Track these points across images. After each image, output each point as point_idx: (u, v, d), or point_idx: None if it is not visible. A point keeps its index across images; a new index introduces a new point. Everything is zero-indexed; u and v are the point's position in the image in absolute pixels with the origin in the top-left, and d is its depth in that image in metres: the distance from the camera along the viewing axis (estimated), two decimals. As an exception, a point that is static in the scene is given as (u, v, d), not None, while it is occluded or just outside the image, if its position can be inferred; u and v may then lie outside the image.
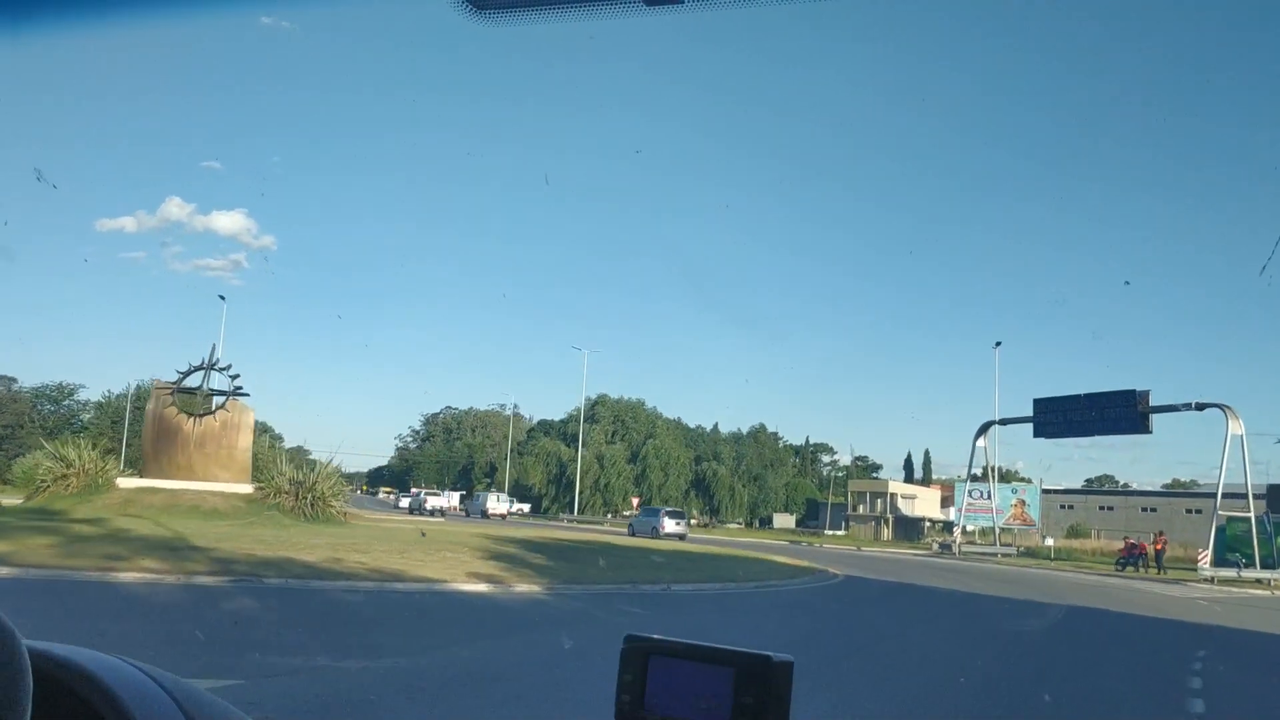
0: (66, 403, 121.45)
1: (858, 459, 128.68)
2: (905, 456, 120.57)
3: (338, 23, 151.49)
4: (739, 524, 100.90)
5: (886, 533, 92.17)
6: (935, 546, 57.68)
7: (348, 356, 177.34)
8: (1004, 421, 56.07)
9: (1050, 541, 52.22)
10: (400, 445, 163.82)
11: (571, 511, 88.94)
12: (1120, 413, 47.38)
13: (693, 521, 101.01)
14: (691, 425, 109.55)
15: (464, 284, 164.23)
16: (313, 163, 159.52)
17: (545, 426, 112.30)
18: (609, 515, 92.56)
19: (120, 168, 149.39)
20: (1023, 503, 64.33)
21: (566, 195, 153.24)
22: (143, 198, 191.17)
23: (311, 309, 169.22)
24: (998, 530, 58.15)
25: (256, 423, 44.22)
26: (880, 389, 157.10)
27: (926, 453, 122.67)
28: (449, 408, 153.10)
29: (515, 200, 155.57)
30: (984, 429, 57.17)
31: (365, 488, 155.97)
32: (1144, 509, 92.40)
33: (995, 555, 53.74)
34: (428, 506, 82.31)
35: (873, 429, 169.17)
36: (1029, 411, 53.06)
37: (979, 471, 59.04)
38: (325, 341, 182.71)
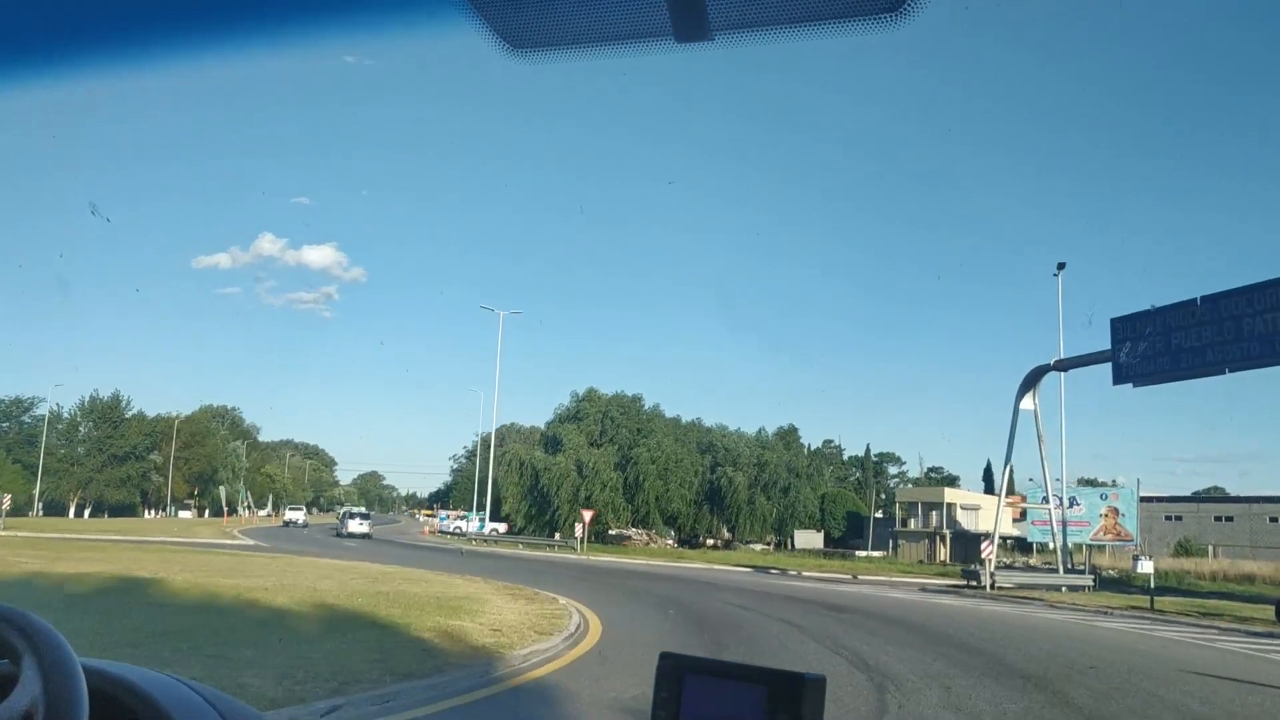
0: (24, 418, 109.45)
1: (930, 471, 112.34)
2: (985, 465, 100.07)
3: (408, 58, 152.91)
4: (766, 545, 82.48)
5: (943, 552, 73.43)
6: (975, 576, 37.80)
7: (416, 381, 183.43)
8: (1065, 365, 36.18)
9: (1148, 566, 32.11)
10: (455, 466, 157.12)
11: (554, 531, 71.93)
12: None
13: (709, 542, 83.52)
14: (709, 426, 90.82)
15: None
16: (399, 194, 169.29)
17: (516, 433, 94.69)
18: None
19: (214, 207, 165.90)
20: (1115, 511, 45.38)
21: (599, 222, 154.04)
22: (236, 234, 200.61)
23: (389, 337, 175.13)
24: (1062, 547, 38.62)
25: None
26: (952, 399, 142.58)
27: (1010, 468, 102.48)
28: (511, 424, 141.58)
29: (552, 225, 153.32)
30: (1033, 379, 37.53)
31: (422, 510, 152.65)
32: (1273, 518, 72.30)
33: (1059, 589, 34.35)
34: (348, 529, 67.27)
35: (947, 439, 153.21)
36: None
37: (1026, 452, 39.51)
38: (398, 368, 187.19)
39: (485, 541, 58.07)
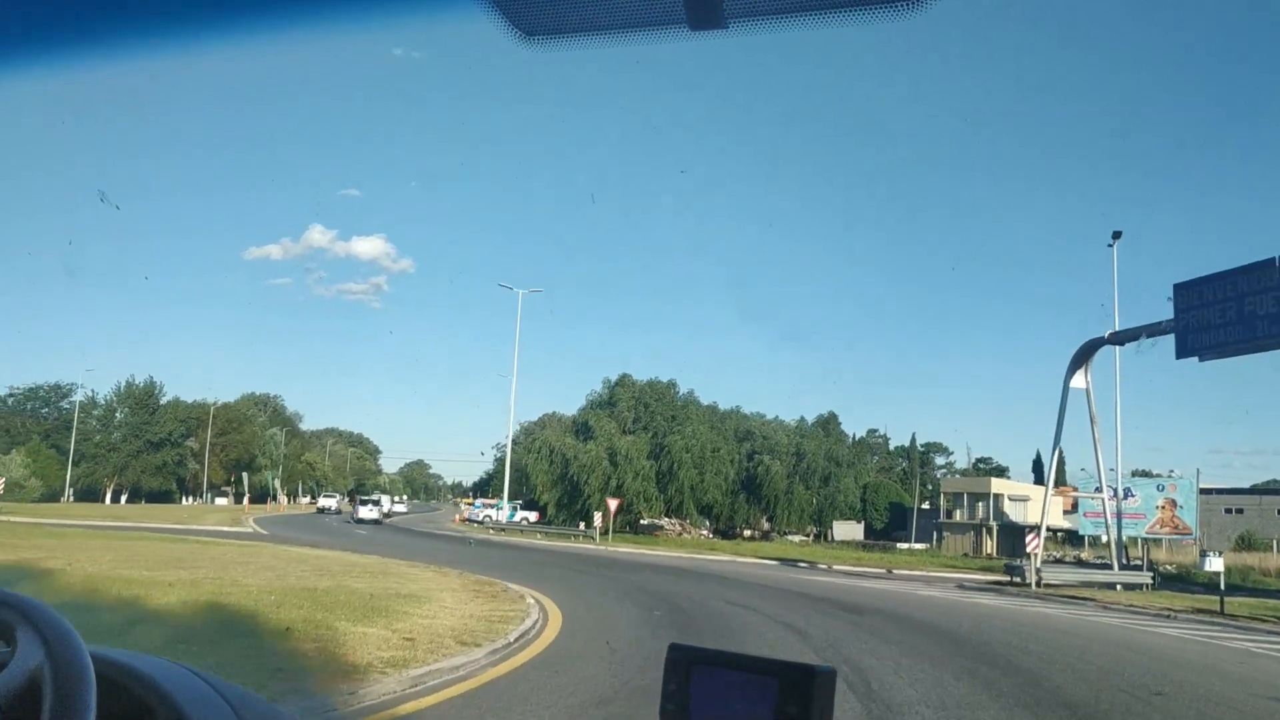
0: (62, 404, 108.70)
1: (978, 461, 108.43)
2: (1034, 456, 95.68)
3: (454, 51, 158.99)
4: (805, 536, 79.18)
5: (990, 545, 69.80)
6: (1019, 572, 34.11)
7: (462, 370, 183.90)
8: (1121, 338, 32.31)
9: (1217, 563, 28.35)
10: (498, 455, 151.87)
11: (582, 521, 69.12)
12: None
13: (746, 533, 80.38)
14: (748, 413, 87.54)
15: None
16: (445, 185, 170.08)
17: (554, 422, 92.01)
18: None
19: (266, 199, 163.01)
20: (1172, 503, 41.82)
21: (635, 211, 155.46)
22: (287, 226, 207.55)
23: (442, 327, 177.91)
24: (1116, 540, 34.95)
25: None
26: (1001, 389, 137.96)
27: (1060, 454, 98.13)
28: (552, 413, 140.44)
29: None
30: (1085, 354, 33.77)
31: (465, 499, 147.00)
32: (1337, 511, 68.20)
33: (1113, 587, 30.86)
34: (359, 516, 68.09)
35: (997, 429, 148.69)
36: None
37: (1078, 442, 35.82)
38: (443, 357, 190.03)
39: (505, 530, 55.21)
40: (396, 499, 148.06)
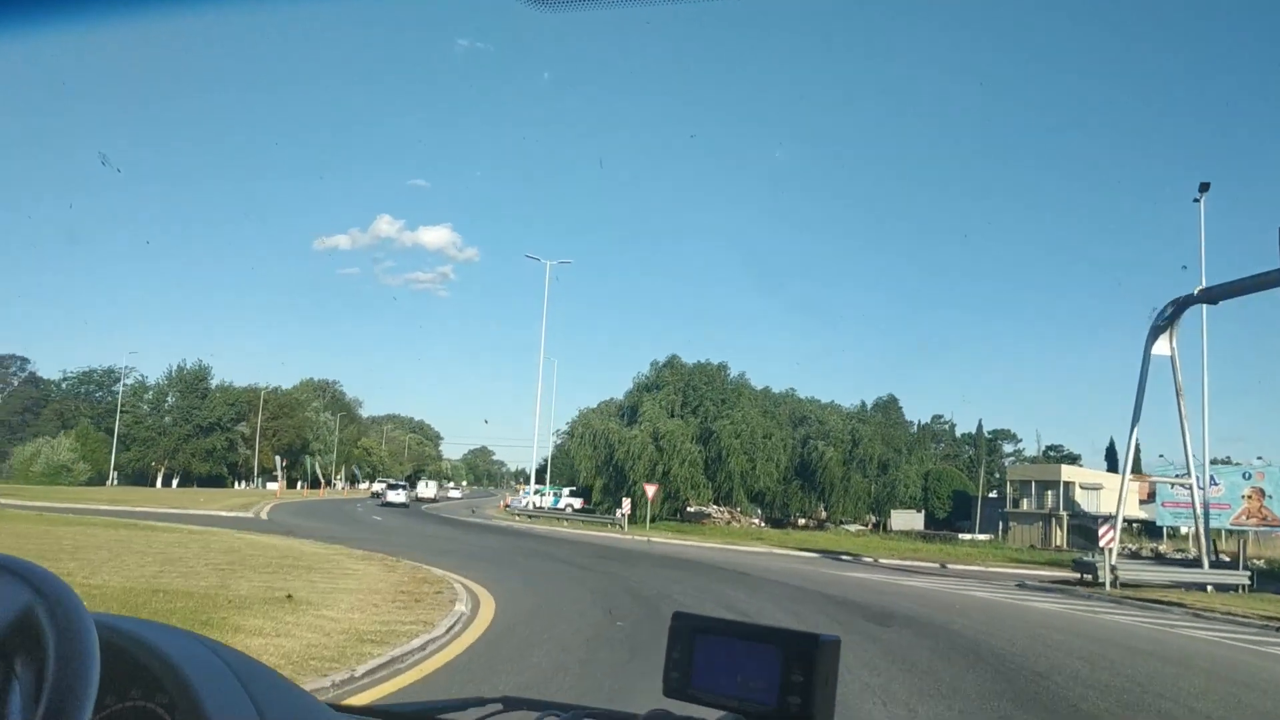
0: (115, 388, 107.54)
1: (1048, 449, 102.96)
2: (1107, 444, 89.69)
3: (518, 40, 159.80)
4: (863, 526, 74.87)
5: (1059, 537, 64.88)
6: (1090, 569, 29.41)
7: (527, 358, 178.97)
8: (1213, 295, 27.17)
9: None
10: (558, 441, 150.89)
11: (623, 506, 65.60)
12: None
13: (800, 522, 76.15)
14: (803, 397, 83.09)
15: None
16: (508, 174, 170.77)
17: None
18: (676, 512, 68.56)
19: (335, 189, 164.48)
20: (1260, 492, 36.79)
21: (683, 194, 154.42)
22: (356, 216, 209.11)
23: (505, 315, 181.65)
24: (1205, 533, 30.24)
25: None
26: (1074, 373, 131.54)
27: (1135, 441, 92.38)
28: (611, 399, 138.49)
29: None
30: (1170, 316, 28.80)
31: (521, 485, 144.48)
32: None
33: (1203, 589, 26.36)
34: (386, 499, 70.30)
35: (1068, 415, 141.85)
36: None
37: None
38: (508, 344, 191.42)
39: (537, 518, 51.36)
40: (450, 485, 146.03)
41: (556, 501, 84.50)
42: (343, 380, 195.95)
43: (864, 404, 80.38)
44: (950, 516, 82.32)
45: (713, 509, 70.41)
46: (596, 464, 73.16)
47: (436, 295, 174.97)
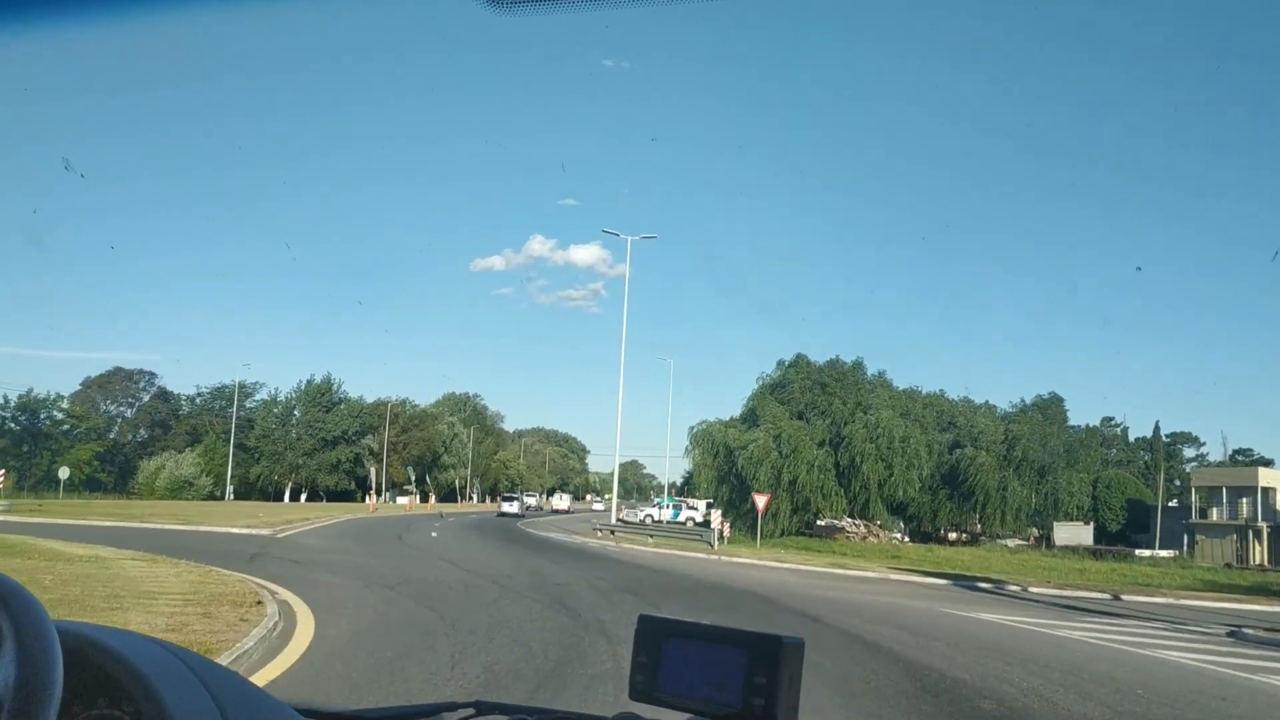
0: (248, 404, 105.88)
1: (1236, 453, 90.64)
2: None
3: (663, 60, 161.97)
4: (1022, 540, 65.30)
5: (1258, 552, 54.32)
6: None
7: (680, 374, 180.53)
8: None
9: None
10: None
11: (750, 521, 57.84)
12: None
13: (951, 537, 66.77)
14: (953, 399, 73.74)
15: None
16: (655, 191, 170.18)
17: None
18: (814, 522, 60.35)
19: (491, 212, 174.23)
20: None
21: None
22: (509, 238, 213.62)
23: (656, 330, 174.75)
24: None
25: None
26: (1261, 371, 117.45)
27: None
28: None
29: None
30: None
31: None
32: None
33: None
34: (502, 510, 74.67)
35: (1258, 418, 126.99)
36: None
37: None
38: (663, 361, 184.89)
39: (614, 533, 43.34)
40: (595, 498, 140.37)
41: (677, 514, 77.13)
42: (493, 397, 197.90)
43: (1022, 402, 70.18)
44: (1124, 529, 71.56)
45: (847, 522, 61.76)
46: (717, 473, 65.47)
47: (589, 312, 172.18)
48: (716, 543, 37.30)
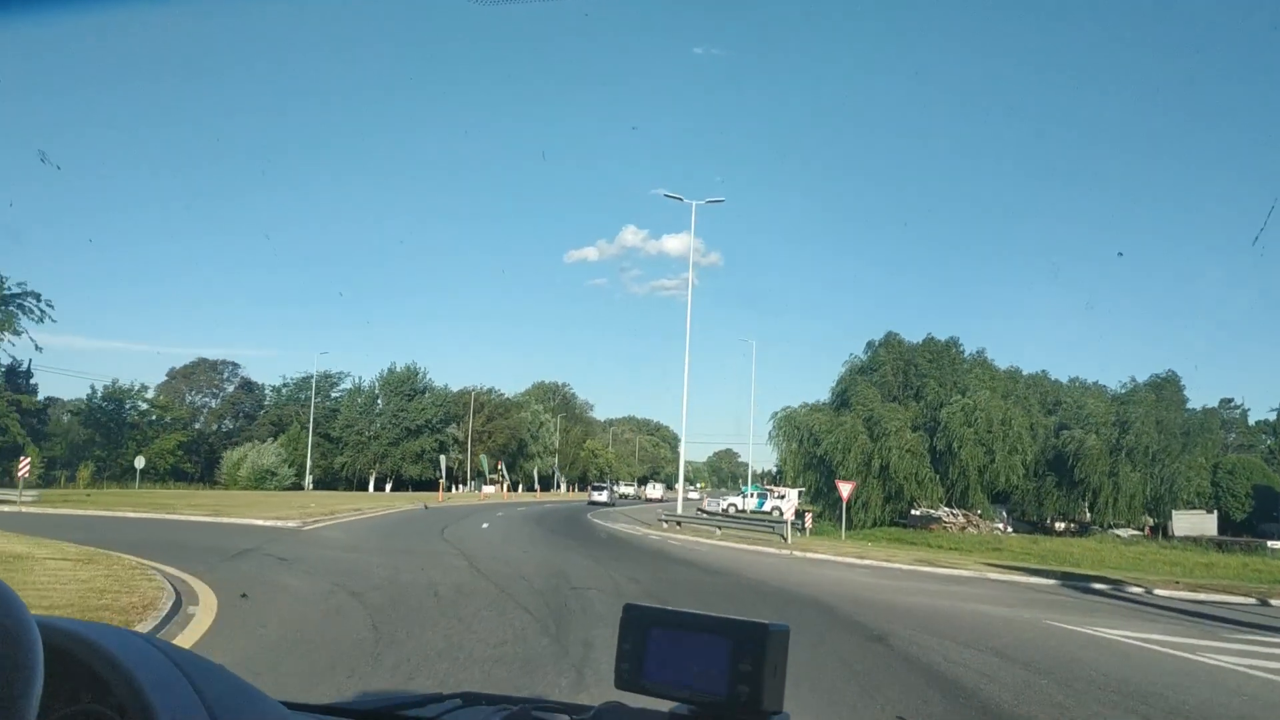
0: (332, 394, 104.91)
1: None
2: None
3: (756, 46, 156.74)
4: (1136, 530, 59.95)
5: None
6: None
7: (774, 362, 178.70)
8: None
9: None
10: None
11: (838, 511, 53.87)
12: None
13: (1058, 527, 61.73)
14: (1058, 380, 68.50)
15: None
16: (749, 178, 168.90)
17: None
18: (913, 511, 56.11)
19: (585, 204, 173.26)
20: None
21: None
22: (603, 228, 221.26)
23: (749, 317, 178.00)
24: None
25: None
26: None
27: None
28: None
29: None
30: None
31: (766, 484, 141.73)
32: None
33: None
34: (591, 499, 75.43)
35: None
36: None
37: None
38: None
39: (680, 525, 39.50)
40: (653, 486, 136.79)
41: (762, 503, 73.16)
42: (585, 387, 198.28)
43: (1133, 381, 64.44)
44: (1250, 518, 65.37)
45: (944, 511, 57.17)
46: (802, 460, 61.28)
47: (681, 300, 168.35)
48: (790, 535, 33.20)
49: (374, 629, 11.16)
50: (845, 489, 42.33)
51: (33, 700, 0.90)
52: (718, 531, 36.38)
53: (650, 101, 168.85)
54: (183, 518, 29.98)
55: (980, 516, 57.15)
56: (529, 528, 34.14)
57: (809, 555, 28.26)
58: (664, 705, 1.41)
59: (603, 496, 75.06)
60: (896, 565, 26.22)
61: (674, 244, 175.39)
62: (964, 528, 54.74)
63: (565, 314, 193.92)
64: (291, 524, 29.06)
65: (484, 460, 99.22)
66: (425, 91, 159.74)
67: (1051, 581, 23.77)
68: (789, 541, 31.94)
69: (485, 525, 34.72)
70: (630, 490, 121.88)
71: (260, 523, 28.97)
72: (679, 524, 39.25)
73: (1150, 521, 62.25)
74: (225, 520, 29.51)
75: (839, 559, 27.52)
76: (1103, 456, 56.71)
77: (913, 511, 56.71)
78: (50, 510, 31.82)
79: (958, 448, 55.51)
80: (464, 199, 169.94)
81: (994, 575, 24.62)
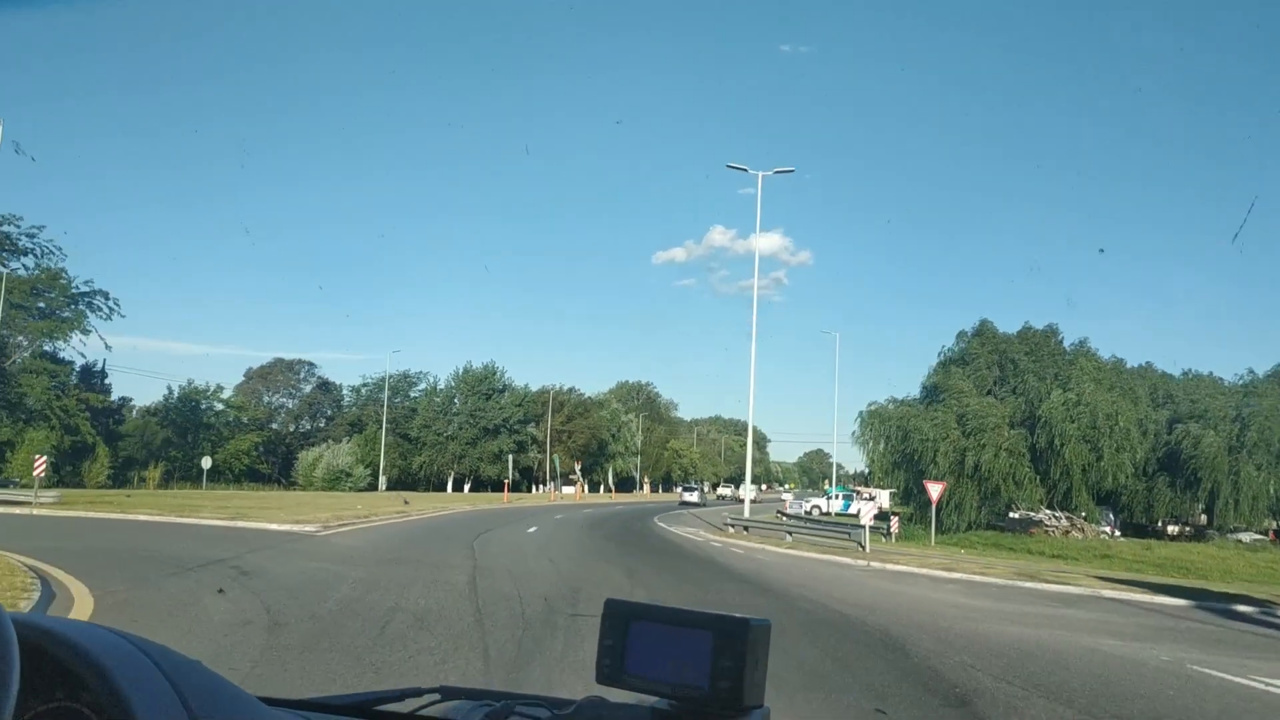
0: (411, 393, 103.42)
1: None
2: None
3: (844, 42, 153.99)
4: (1260, 535, 54.46)
5: None
6: None
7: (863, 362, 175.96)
8: None
9: None
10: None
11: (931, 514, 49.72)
12: None
13: (1171, 530, 56.60)
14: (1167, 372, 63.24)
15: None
16: (837, 175, 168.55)
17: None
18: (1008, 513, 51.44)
19: (671, 204, 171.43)
20: None
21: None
22: (690, 229, 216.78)
23: (840, 316, 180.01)
24: None
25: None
26: None
27: None
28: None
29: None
30: None
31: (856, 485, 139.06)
32: None
33: None
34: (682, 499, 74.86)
35: None
36: None
37: None
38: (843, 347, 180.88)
39: (748, 530, 35.18)
40: (730, 487, 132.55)
41: (847, 505, 68.76)
42: (673, 388, 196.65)
43: (1252, 373, 58.73)
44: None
45: (1045, 514, 52.36)
46: (891, 458, 56.96)
47: (771, 300, 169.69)
48: (868, 543, 29.13)
49: (242, 681, 7.88)
50: (935, 490, 38.23)
51: (9, 697, 0.88)
52: (788, 537, 32.51)
53: (737, 100, 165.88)
54: (193, 521, 27.25)
55: (1084, 519, 52.24)
56: (579, 534, 30.79)
57: (888, 567, 24.32)
58: (646, 700, 1.38)
59: (694, 496, 74.13)
60: (991, 580, 22.17)
61: (762, 243, 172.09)
62: (1067, 532, 49.96)
63: (651, 314, 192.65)
64: (311, 529, 26.15)
65: (555, 460, 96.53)
66: (521, 105, 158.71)
67: (1182, 602, 19.55)
68: (866, 550, 27.95)
69: (532, 530, 31.49)
70: (727, 491, 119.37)
71: (276, 527, 26.09)
72: (745, 529, 35.42)
73: (1275, 525, 56.60)
74: (240, 524, 26.71)
75: (924, 572, 23.55)
76: (1221, 454, 51.39)
77: (1010, 514, 52.06)
78: (59, 513, 29.50)
79: (1060, 445, 50.82)
80: (535, 200, 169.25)
81: (1109, 593, 20.46)
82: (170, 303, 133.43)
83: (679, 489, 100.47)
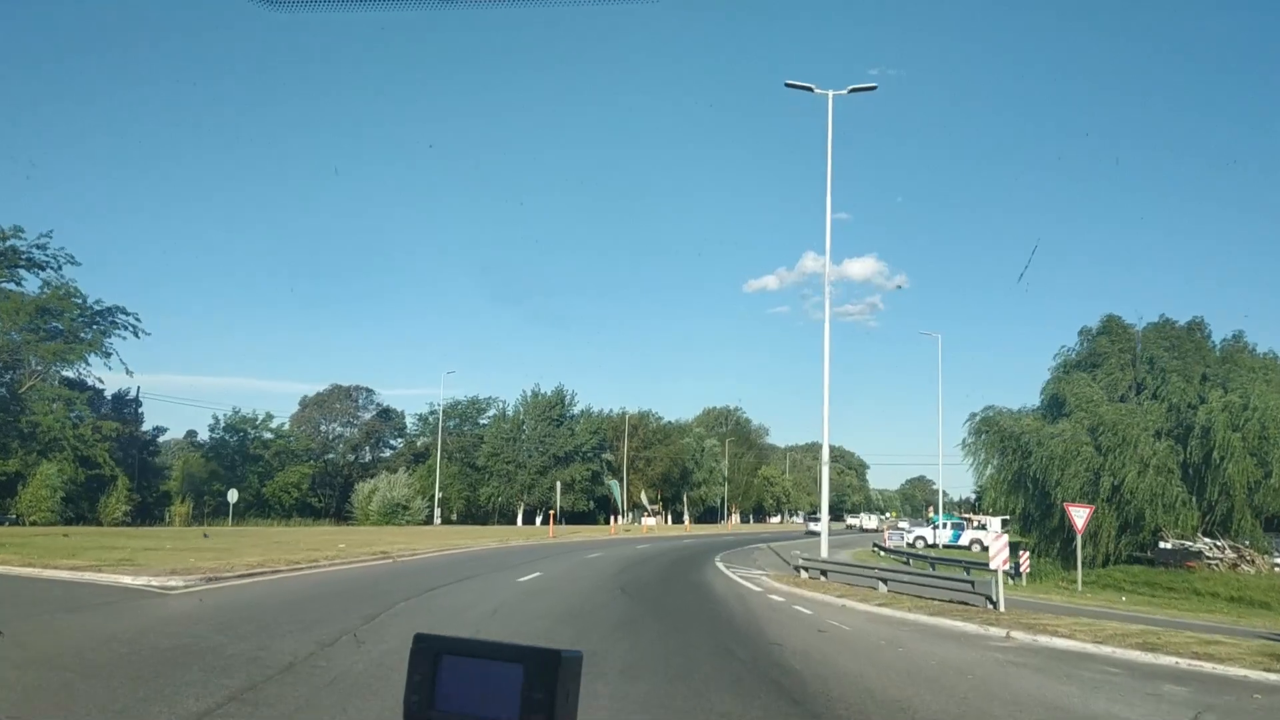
0: (480, 420, 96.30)
1: None
2: None
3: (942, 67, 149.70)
4: None
5: None
6: None
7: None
8: None
9: None
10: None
11: (1061, 549, 39.93)
12: None
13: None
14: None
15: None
16: (932, 197, 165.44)
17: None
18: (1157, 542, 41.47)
19: (762, 233, 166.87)
20: None
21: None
22: (782, 257, 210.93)
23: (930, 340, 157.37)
24: None
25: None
26: None
27: None
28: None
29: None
30: None
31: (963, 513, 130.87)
32: None
33: None
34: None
35: None
36: None
37: None
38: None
39: (824, 574, 25.13)
40: (867, 516, 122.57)
41: (957, 536, 58.70)
42: (767, 416, 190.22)
43: None
44: None
45: (1204, 543, 42.01)
46: (1008, 479, 47.21)
47: (866, 326, 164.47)
48: (1000, 600, 18.77)
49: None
50: (1080, 516, 28.83)
51: None
52: (881, 587, 22.66)
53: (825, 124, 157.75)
54: (26, 572, 19.21)
55: (1252, 548, 41.73)
56: (588, 584, 21.94)
57: (1041, 641, 14.89)
58: None
59: (818, 526, 64.53)
60: (1236, 671, 12.84)
61: (856, 268, 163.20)
62: (1234, 565, 39.64)
63: (742, 341, 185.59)
64: (175, 582, 17.77)
65: (614, 488, 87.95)
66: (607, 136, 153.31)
67: None
68: (1000, 608, 18.14)
69: (526, 578, 22.87)
70: (855, 521, 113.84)
71: (122, 580, 17.84)
72: (822, 573, 25.41)
73: None
74: (62, 575, 18.40)
75: (1104, 651, 14.17)
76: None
77: (1160, 544, 41.87)
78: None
79: (1221, 460, 40.68)
80: (617, 225, 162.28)
81: None
82: (218, 333, 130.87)
83: (803, 518, 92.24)
